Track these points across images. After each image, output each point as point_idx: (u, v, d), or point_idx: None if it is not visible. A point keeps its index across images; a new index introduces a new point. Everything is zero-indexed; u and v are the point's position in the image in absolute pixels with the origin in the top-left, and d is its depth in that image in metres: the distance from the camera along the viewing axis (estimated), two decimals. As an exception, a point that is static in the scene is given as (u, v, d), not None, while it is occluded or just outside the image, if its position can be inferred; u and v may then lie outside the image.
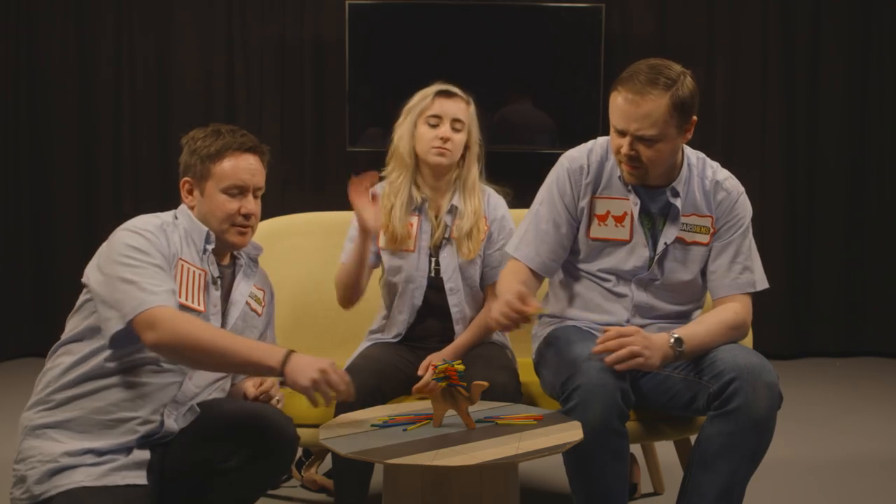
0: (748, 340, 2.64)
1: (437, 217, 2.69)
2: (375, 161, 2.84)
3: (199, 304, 2.11)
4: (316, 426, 2.10)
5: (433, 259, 2.67)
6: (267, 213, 2.94)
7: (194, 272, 2.12)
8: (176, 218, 2.17)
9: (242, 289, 2.26)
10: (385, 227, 2.65)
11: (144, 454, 2.03)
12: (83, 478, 1.94)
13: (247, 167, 2.19)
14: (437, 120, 2.63)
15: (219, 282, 2.21)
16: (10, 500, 2.00)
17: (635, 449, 3.04)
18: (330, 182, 5.13)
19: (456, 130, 2.63)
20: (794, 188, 5.23)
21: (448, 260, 2.66)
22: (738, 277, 2.41)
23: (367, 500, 2.49)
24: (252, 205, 2.20)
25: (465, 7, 5.01)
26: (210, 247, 2.17)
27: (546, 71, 5.00)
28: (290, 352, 1.94)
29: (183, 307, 2.05)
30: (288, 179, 5.07)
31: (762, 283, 2.45)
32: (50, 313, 4.88)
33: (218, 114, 4.98)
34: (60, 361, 2.05)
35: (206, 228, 2.17)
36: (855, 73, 5.21)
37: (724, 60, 5.17)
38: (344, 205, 3.06)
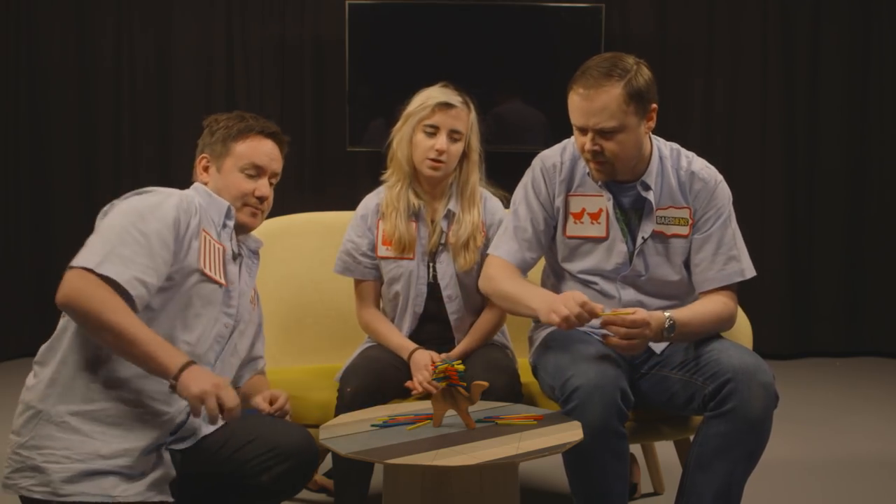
0: (747, 340, 2.65)
1: (432, 222, 2.68)
2: (375, 161, 2.84)
3: (220, 277, 2.09)
4: (316, 426, 2.09)
5: (431, 265, 2.67)
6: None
7: (215, 245, 2.10)
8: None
9: (247, 279, 2.25)
10: (391, 234, 2.65)
11: (171, 472, 1.98)
12: (116, 491, 1.88)
13: (267, 151, 2.26)
14: (434, 130, 2.61)
15: (238, 259, 2.21)
16: (2, 484, 1.91)
17: (635, 449, 3.04)
18: (330, 182, 5.13)
19: (453, 140, 2.62)
20: (794, 188, 5.23)
21: (445, 267, 2.65)
22: (723, 269, 2.38)
23: (367, 500, 2.49)
24: (266, 188, 2.24)
25: (465, 7, 5.01)
26: (231, 222, 2.17)
27: (546, 71, 4.99)
28: (191, 362, 1.88)
29: (206, 278, 2.04)
30: (288, 179, 5.04)
31: (750, 270, 2.41)
32: (50, 313, 4.86)
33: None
34: (86, 348, 1.95)
35: (226, 203, 2.17)
36: (855, 74, 5.21)
37: (725, 60, 5.16)
38: (344, 205, 3.06)
